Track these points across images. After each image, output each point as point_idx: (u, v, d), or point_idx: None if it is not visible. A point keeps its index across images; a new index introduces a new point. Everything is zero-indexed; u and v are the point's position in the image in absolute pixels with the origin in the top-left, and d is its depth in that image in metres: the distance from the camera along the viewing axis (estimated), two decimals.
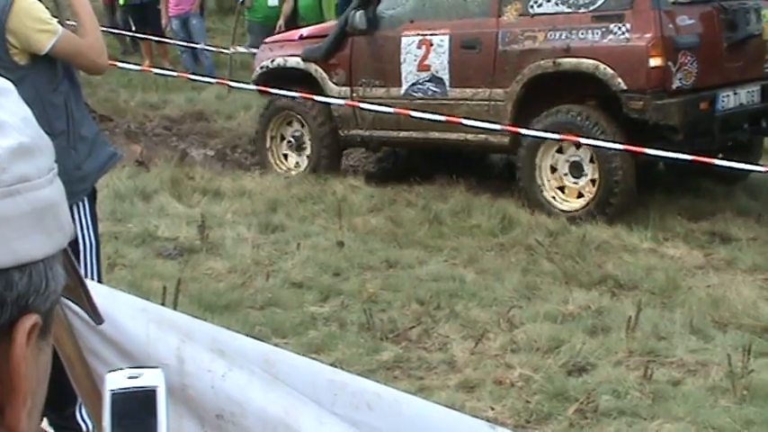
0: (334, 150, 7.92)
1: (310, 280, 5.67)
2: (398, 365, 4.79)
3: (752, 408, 4.23)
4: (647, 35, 6.32)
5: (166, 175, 7.72)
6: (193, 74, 10.07)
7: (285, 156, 8.09)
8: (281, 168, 8.00)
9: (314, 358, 2.74)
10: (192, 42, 12.16)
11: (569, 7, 6.52)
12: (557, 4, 6.61)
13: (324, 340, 4.99)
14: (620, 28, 6.54)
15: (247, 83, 8.75)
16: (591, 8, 6.53)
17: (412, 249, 6.18)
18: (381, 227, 6.69)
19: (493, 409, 4.33)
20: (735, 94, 6.63)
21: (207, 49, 11.82)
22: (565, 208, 6.64)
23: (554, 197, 6.68)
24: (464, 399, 4.39)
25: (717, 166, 6.12)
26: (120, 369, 0.92)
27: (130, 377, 0.91)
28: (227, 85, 9.99)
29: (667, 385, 4.49)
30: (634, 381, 4.48)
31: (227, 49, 11.86)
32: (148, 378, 0.90)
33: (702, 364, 4.63)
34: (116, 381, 0.91)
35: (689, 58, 6.35)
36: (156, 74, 10.30)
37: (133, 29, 12.93)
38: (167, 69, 10.61)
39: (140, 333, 1.83)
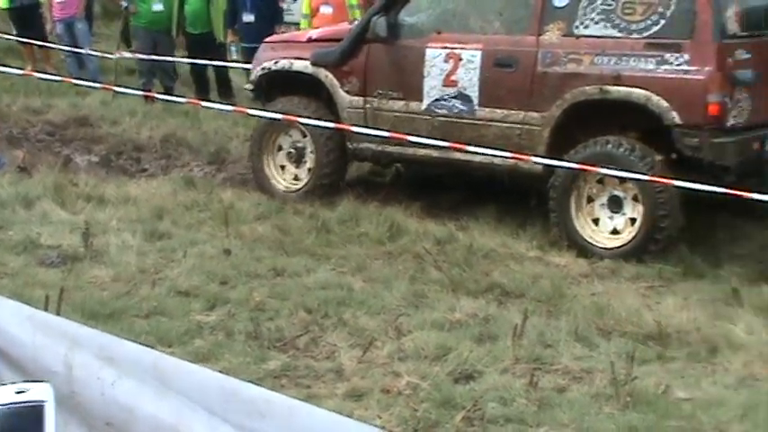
0: (339, 164, 9.07)
1: (197, 288, 6.77)
2: (285, 374, 5.65)
3: (635, 414, 5.18)
4: (708, 68, 7.44)
5: (49, 182, 8.98)
6: (78, 79, 9.24)
7: (282, 167, 9.28)
8: (277, 181, 9.19)
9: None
10: (77, 47, 14.70)
11: (620, 31, 7.81)
12: (606, 27, 7.86)
13: (210, 349, 5.86)
14: (677, 58, 7.52)
15: (133, 88, 8.49)
16: (645, 34, 7.71)
17: (299, 257, 7.48)
18: (268, 235, 8.05)
19: (380, 417, 5.12)
20: None
21: (92, 54, 14.75)
22: (603, 246, 7.64)
23: (591, 235, 7.72)
24: (352, 407, 5.25)
25: (754, 200, 7.03)
26: (10, 384, 0.87)
27: (18, 392, 0.86)
28: (112, 90, 11.78)
29: (553, 392, 5.42)
30: (520, 388, 5.38)
31: (112, 54, 14.11)
32: (36, 393, 0.85)
33: (587, 371, 5.67)
34: (3, 396, 0.84)
35: (744, 94, 7.57)
36: (40, 78, 12.25)
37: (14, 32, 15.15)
38: (51, 74, 10.58)
39: (26, 341, 1.76)
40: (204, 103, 9.91)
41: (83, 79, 12.09)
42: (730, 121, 7.47)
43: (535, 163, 7.84)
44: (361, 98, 8.69)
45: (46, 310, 4.97)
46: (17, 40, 14.79)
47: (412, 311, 6.37)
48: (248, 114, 9.32)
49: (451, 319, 6.23)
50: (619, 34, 7.70)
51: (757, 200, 7.17)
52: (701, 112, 7.36)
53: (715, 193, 7.15)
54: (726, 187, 7.18)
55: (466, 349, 5.76)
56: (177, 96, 11.82)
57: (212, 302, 6.43)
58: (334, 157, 8.89)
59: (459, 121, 8.21)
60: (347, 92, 8.74)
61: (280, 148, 9.20)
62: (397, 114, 8.50)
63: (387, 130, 8.43)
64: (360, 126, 8.57)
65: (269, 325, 6.10)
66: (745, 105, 7.56)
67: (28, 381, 1.28)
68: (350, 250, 7.60)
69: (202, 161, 10.57)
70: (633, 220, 7.63)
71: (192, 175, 9.99)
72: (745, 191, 7.16)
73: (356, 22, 9.53)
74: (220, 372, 4.85)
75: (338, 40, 8.88)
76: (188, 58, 13.20)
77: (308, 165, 9.02)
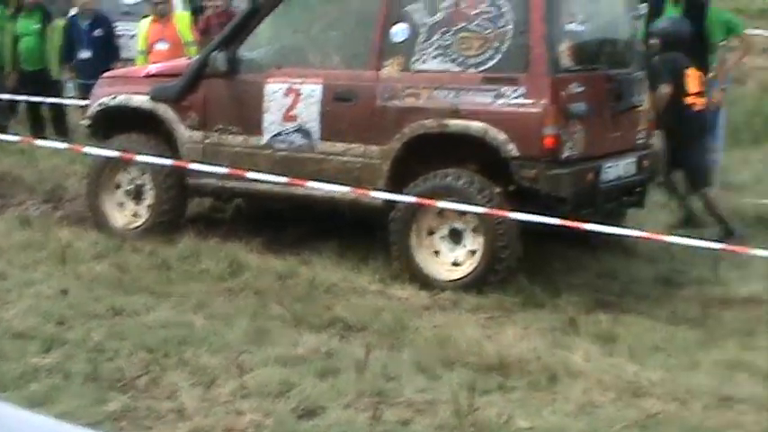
0: (179, 201, 8.97)
1: (33, 330, 6.57)
2: (126, 415, 5.51)
3: None
4: (543, 101, 7.61)
5: None
6: None
7: (121, 204, 9.11)
8: (116, 219, 9.00)
9: (37, 412, 2.61)
10: None
11: (458, 66, 7.93)
12: (443, 62, 7.96)
13: (47, 392, 5.70)
14: (513, 92, 7.66)
15: None
16: (481, 68, 7.85)
17: (139, 296, 7.37)
18: (107, 273, 7.93)
19: None
20: (616, 165, 8.14)
21: None
22: (444, 278, 7.72)
23: (432, 268, 7.77)
24: None
25: (588, 231, 7.31)
26: None
27: None
28: None
29: (397, 425, 5.42)
30: (364, 422, 5.37)
31: None
32: None
33: (430, 402, 5.68)
34: None
35: (578, 126, 7.77)
36: None
37: None
38: None
39: None
40: (39, 141, 9.68)
41: None
42: (565, 153, 7.64)
43: (374, 197, 7.89)
44: (201, 133, 8.64)
45: None
46: None
47: (254, 348, 6.33)
48: (84, 153, 9.22)
49: (294, 354, 6.23)
50: (456, 68, 7.82)
51: (592, 230, 7.37)
52: (538, 144, 7.53)
53: (552, 224, 7.32)
54: (562, 218, 7.35)
55: (309, 385, 5.75)
56: (12, 134, 11.52)
57: (49, 344, 6.27)
58: (174, 193, 8.81)
59: (299, 155, 8.25)
60: (187, 127, 8.69)
61: (118, 186, 9.04)
62: (238, 149, 8.48)
63: (227, 166, 8.38)
64: (200, 161, 8.51)
65: (108, 366, 5.98)
66: (580, 138, 7.74)
67: None
68: (191, 287, 7.54)
69: (38, 200, 10.31)
70: (473, 252, 7.73)
71: (27, 214, 9.74)
72: (580, 221, 7.35)
73: (195, 57, 9.48)
74: (57, 416, 4.74)
75: (177, 75, 8.84)
76: (23, 95, 12.79)
77: (148, 201, 8.91)
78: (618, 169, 8.15)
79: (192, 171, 8.56)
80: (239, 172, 8.25)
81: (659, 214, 9.62)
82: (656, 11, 10.98)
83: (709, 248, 7.56)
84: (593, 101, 7.91)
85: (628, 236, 8.04)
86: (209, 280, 7.74)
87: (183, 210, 9.05)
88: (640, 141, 8.66)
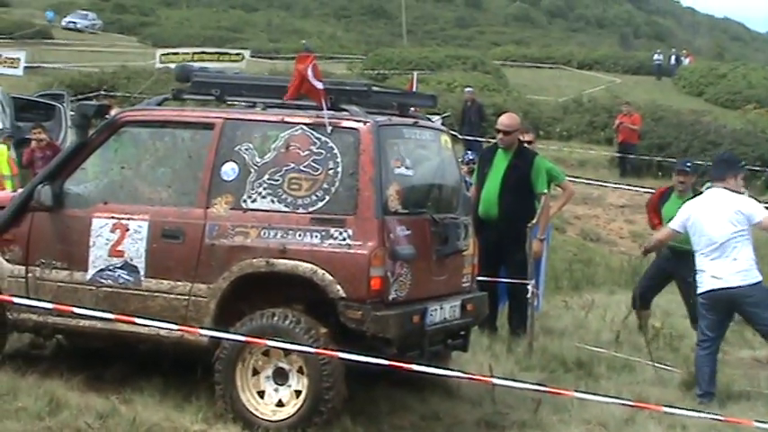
0: None
1: None
2: None
3: None
4: (370, 243, 7.73)
5: None
6: None
7: None
8: None
9: None
10: None
11: (287, 206, 8.01)
12: (273, 202, 8.03)
13: None
14: (341, 233, 7.78)
15: None
16: (310, 209, 7.97)
17: None
18: None
19: None
20: (441, 308, 8.21)
21: None
22: (269, 418, 7.67)
23: (256, 408, 7.71)
24: None
25: (413, 371, 7.42)
26: None
27: None
28: None
29: None
30: None
31: None
32: None
33: None
34: None
35: (405, 269, 7.92)
36: None
37: None
38: None
39: None
40: None
41: None
42: (392, 295, 7.78)
43: (201, 335, 7.85)
44: (23, 267, 8.48)
45: None
46: None
47: None
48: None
49: None
50: (285, 209, 7.90)
51: (417, 371, 7.50)
52: (364, 285, 7.63)
53: (377, 364, 7.37)
54: (387, 359, 7.45)
55: None
56: None
57: None
58: None
59: (125, 291, 8.16)
60: (8, 260, 8.53)
61: None
62: (61, 284, 8.35)
63: (49, 301, 8.23)
64: (21, 296, 8.33)
65: None
66: (406, 280, 7.91)
67: None
68: (6, 426, 7.35)
69: None
70: (298, 393, 7.72)
71: None
72: (405, 363, 7.48)
73: (20, 190, 9.39)
74: None
75: (2, 208, 8.70)
76: None
77: None
78: (443, 312, 8.29)
79: (13, 305, 8.37)
80: (65, 307, 8.10)
81: (482, 358, 9.82)
82: (488, 160, 11.54)
83: (531, 390, 7.82)
84: (419, 244, 8.08)
85: (453, 377, 8.23)
86: (27, 418, 7.52)
87: (1, 345, 8.76)
88: (465, 285, 8.86)
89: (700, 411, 7.99)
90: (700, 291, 9.51)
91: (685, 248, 11.09)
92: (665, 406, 7.77)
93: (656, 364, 10.61)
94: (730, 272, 9.27)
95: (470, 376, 8.09)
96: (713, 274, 9.33)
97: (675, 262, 11.37)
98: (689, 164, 12.00)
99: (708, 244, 9.35)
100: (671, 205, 11.41)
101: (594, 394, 8.23)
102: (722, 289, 9.29)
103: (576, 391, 8.15)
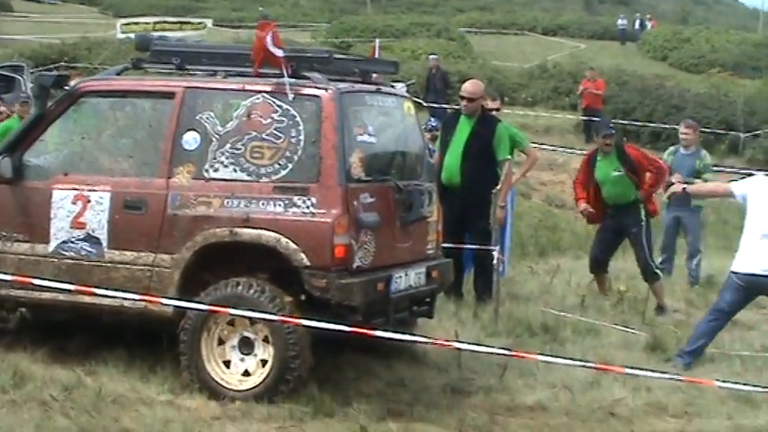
0: None
1: None
2: None
3: None
4: (334, 211, 7.76)
5: None
6: None
7: None
8: None
9: None
10: None
11: (249, 175, 8.00)
12: (235, 171, 8.02)
13: None
14: (304, 201, 7.79)
15: None
16: (273, 178, 7.96)
17: None
18: None
19: None
20: (406, 275, 8.27)
21: None
22: (235, 387, 7.71)
23: (222, 378, 7.77)
24: None
25: (377, 337, 7.41)
26: None
27: None
28: None
29: None
30: None
31: None
32: None
33: None
34: None
35: (369, 236, 7.93)
36: None
37: None
38: None
39: None
40: None
41: None
42: (356, 263, 7.81)
43: (164, 305, 7.83)
44: None
45: None
46: None
47: None
48: None
49: None
50: (248, 178, 7.90)
51: (382, 337, 7.52)
52: (328, 254, 7.65)
53: (342, 331, 7.41)
54: (352, 326, 7.46)
55: None
56: None
57: None
58: None
59: (87, 263, 8.14)
60: None
61: None
62: (23, 257, 8.30)
63: (11, 274, 8.16)
64: None
65: None
66: (370, 247, 7.93)
67: None
68: None
69: None
70: (264, 362, 7.76)
71: None
72: (370, 330, 7.51)
73: None
74: None
75: None
76: None
77: None
78: (408, 279, 8.32)
79: None
80: (25, 280, 8.06)
81: (448, 324, 9.84)
82: (450, 127, 11.56)
83: (497, 354, 7.92)
84: (383, 211, 8.11)
85: (418, 342, 8.24)
86: None
87: None
88: (430, 252, 8.91)
89: (663, 372, 8.05)
90: (738, 270, 9.51)
91: (624, 203, 11.65)
92: (629, 368, 7.85)
93: (621, 327, 10.75)
94: None
95: (434, 341, 8.17)
96: (760, 258, 9.33)
97: (619, 218, 11.84)
98: (611, 125, 12.49)
99: (764, 228, 9.35)
100: (602, 165, 11.76)
101: (560, 357, 8.34)
102: (764, 276, 9.31)
103: (541, 354, 8.20)
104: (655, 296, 11.94)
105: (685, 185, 10.96)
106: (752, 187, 9.70)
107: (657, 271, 12.08)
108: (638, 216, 11.84)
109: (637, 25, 60.56)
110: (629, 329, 10.63)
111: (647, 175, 11.92)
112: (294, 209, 7.75)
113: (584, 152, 25.75)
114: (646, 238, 11.92)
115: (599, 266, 12.22)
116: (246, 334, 7.82)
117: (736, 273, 9.51)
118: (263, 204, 7.80)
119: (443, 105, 25.72)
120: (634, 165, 11.80)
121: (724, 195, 10.60)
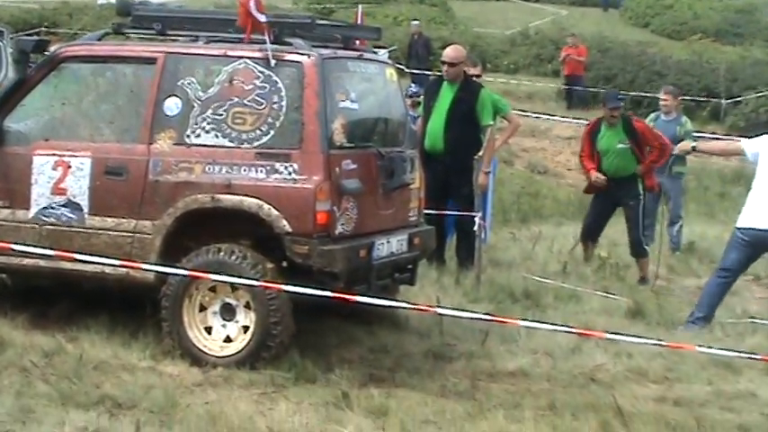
0: None
1: None
2: None
3: None
4: (315, 177, 7.76)
5: None
6: None
7: None
8: None
9: None
10: None
11: (231, 141, 7.98)
12: (217, 137, 7.98)
13: None
14: (286, 168, 7.77)
15: None
16: (255, 144, 7.92)
17: None
18: None
19: None
20: (388, 242, 8.27)
21: None
22: (217, 354, 7.73)
23: (204, 344, 7.77)
24: None
25: (358, 303, 7.45)
26: None
27: None
28: None
29: None
30: None
31: None
32: None
33: None
34: None
35: (351, 203, 7.95)
36: None
37: None
38: None
39: None
40: None
41: None
42: (338, 230, 7.81)
43: (146, 270, 7.82)
44: None
45: None
46: None
47: (18, 427, 6.20)
48: None
49: None
50: (230, 144, 7.87)
51: (364, 303, 7.55)
52: (310, 220, 7.64)
53: (324, 297, 7.38)
54: (334, 292, 7.44)
55: None
56: None
57: None
58: None
59: (68, 229, 8.11)
60: None
61: None
62: (3, 223, 8.25)
63: None
64: None
65: None
66: (353, 214, 7.93)
67: None
68: None
69: None
70: (246, 328, 7.75)
71: None
72: (352, 296, 7.56)
73: None
74: None
75: None
76: None
77: None
78: (390, 246, 8.33)
79: None
80: (5, 245, 8.01)
81: (430, 290, 9.84)
82: (433, 93, 11.52)
83: (478, 319, 7.95)
84: (365, 178, 8.10)
85: (399, 307, 8.32)
86: None
87: None
88: (412, 219, 8.90)
89: (644, 338, 8.06)
90: (743, 225, 9.61)
91: (624, 176, 11.55)
92: (611, 333, 7.86)
93: (602, 293, 10.80)
94: None
95: (416, 307, 8.15)
96: (765, 213, 9.48)
97: (617, 190, 11.75)
98: (620, 97, 12.42)
99: None
100: (607, 136, 11.70)
101: (541, 323, 8.33)
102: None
103: (523, 320, 8.25)
104: (639, 269, 11.94)
105: (694, 144, 10.99)
106: (764, 145, 9.76)
107: (646, 248, 12.09)
108: (636, 190, 11.83)
109: None
110: (610, 296, 10.70)
111: (650, 150, 11.81)
112: (276, 175, 7.72)
113: (566, 119, 25.94)
114: (642, 214, 11.93)
115: (590, 236, 12.24)
116: (228, 300, 7.81)
117: (741, 228, 9.60)
118: (244, 171, 7.77)
119: (425, 72, 25.68)
120: (639, 138, 11.76)
121: (734, 154, 10.83)
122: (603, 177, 11.73)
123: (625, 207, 11.90)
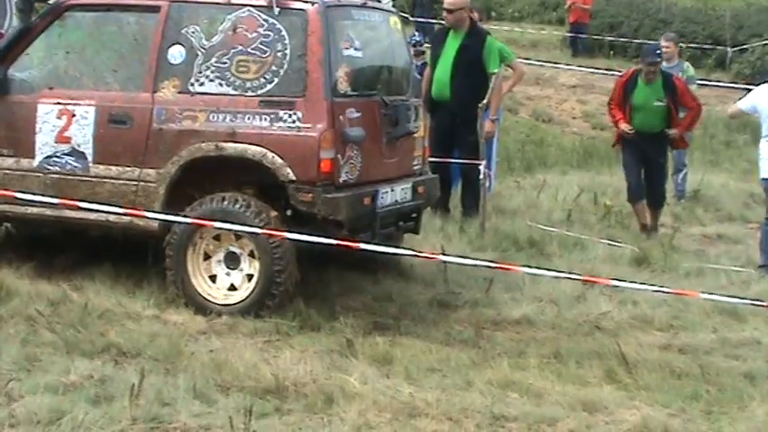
0: None
1: None
2: None
3: None
4: (319, 125, 7.69)
5: None
6: None
7: None
8: None
9: None
10: None
11: (235, 89, 7.93)
12: (221, 85, 7.94)
13: None
14: (290, 116, 7.72)
15: None
16: (259, 92, 7.88)
17: None
18: None
19: None
20: (392, 190, 8.27)
21: None
22: (221, 302, 7.73)
23: (208, 292, 7.77)
24: None
25: (362, 250, 7.46)
26: None
27: None
28: None
29: None
30: None
31: None
32: None
33: (205, 427, 5.69)
34: None
35: (355, 151, 7.91)
36: None
37: None
38: None
39: None
40: None
41: None
42: (342, 178, 7.78)
43: (150, 219, 7.79)
44: None
45: None
46: None
47: (24, 375, 6.21)
48: None
49: (66, 381, 6.11)
50: (234, 92, 7.81)
51: (368, 250, 7.51)
52: (314, 168, 7.61)
53: (328, 244, 7.36)
54: (338, 239, 7.46)
55: (81, 412, 5.69)
56: None
57: None
58: None
59: (73, 178, 8.09)
60: None
61: None
62: (7, 172, 8.23)
63: None
64: None
65: None
66: (357, 162, 7.90)
67: None
68: None
69: None
70: (250, 276, 7.74)
71: None
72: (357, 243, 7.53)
73: None
74: None
75: None
76: None
77: None
78: (394, 194, 8.30)
79: None
80: (10, 194, 8.00)
81: (434, 239, 9.81)
82: (440, 41, 11.47)
83: (482, 266, 7.93)
84: (369, 126, 8.05)
85: (403, 255, 8.26)
86: None
87: None
88: (416, 167, 8.87)
89: (649, 285, 7.98)
90: (765, 176, 9.84)
91: (654, 132, 11.29)
92: (616, 280, 7.79)
93: (607, 241, 10.77)
94: None
95: (420, 254, 8.14)
96: None
97: (645, 146, 11.32)
98: (659, 51, 11.72)
99: None
100: (644, 92, 11.26)
101: (546, 270, 8.32)
102: None
103: (527, 266, 8.18)
104: (651, 218, 11.59)
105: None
106: (758, 97, 9.88)
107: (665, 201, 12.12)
108: (664, 147, 11.60)
109: None
110: (615, 243, 10.65)
111: (686, 111, 11.44)
112: (280, 123, 7.68)
113: (571, 67, 25.79)
114: (667, 171, 11.98)
115: (638, 195, 11.60)
116: (232, 248, 7.79)
117: (765, 179, 9.86)
118: (248, 119, 7.73)
119: (430, 20, 25.52)
120: (676, 97, 11.36)
121: (737, 116, 10.92)
122: (633, 130, 11.29)
123: (654, 162, 11.50)
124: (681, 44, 14.86)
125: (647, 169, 11.65)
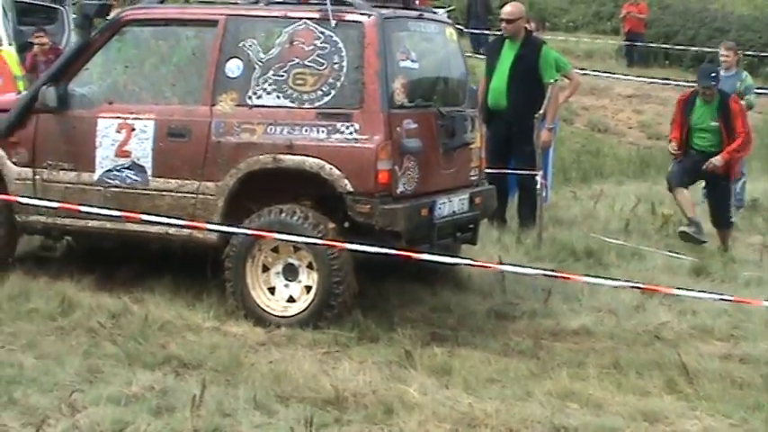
0: (8, 239, 8.75)
1: None
2: None
3: None
4: (377, 137, 7.73)
5: None
6: None
7: None
8: None
9: None
10: None
11: (292, 101, 7.99)
12: (278, 97, 8.00)
13: None
14: (347, 127, 7.77)
15: None
16: (316, 104, 7.94)
17: None
18: None
19: None
20: (449, 201, 8.26)
21: None
22: (280, 314, 7.76)
23: (267, 304, 7.80)
24: None
25: (420, 260, 7.46)
26: None
27: None
28: None
29: None
30: None
31: None
32: None
33: None
34: None
35: (412, 162, 7.94)
36: None
37: None
38: None
39: None
40: None
41: None
42: (400, 189, 7.79)
43: (209, 231, 7.86)
44: (30, 169, 8.48)
45: None
46: None
47: (86, 387, 6.28)
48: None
49: (128, 393, 6.18)
50: (291, 104, 7.87)
51: (425, 260, 7.49)
52: (372, 179, 7.64)
53: (386, 255, 7.36)
54: (396, 249, 7.44)
55: (143, 423, 5.75)
56: None
57: None
58: (3, 231, 8.64)
59: (132, 191, 8.17)
60: (15, 163, 8.52)
61: None
62: (69, 186, 8.35)
63: (57, 202, 8.22)
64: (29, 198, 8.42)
65: None
66: (414, 173, 7.91)
67: None
68: (19, 327, 7.43)
69: None
70: (308, 288, 7.77)
71: None
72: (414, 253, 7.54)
73: (24, 92, 9.39)
74: None
75: (5, 111, 8.66)
76: None
77: None
78: (452, 205, 8.30)
79: (22, 207, 8.41)
80: (71, 207, 8.10)
81: (491, 250, 9.78)
82: (495, 51, 11.46)
83: (540, 276, 7.89)
84: (426, 137, 8.06)
85: (461, 264, 8.20)
86: (39, 319, 7.63)
87: (12, 248, 8.82)
88: (473, 178, 8.86)
89: (710, 293, 7.92)
90: None
91: (714, 151, 10.91)
92: (677, 289, 7.66)
93: (666, 252, 10.68)
94: None
95: (478, 263, 8.13)
96: None
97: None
98: (714, 74, 11.34)
99: None
100: (702, 112, 11.06)
101: (604, 278, 8.27)
102: None
103: (586, 275, 8.15)
104: (720, 239, 11.20)
105: None
106: None
107: (733, 219, 11.63)
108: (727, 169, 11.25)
109: None
110: (674, 254, 10.57)
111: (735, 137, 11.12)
112: (337, 135, 7.71)
113: (627, 77, 25.68)
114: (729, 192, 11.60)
115: (679, 183, 11.07)
116: (291, 260, 7.82)
117: None
118: (306, 131, 7.77)
119: (485, 31, 25.53)
120: (729, 120, 11.05)
121: None
122: (679, 150, 11.08)
123: (715, 186, 11.21)
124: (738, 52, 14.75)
125: (709, 192, 11.50)
